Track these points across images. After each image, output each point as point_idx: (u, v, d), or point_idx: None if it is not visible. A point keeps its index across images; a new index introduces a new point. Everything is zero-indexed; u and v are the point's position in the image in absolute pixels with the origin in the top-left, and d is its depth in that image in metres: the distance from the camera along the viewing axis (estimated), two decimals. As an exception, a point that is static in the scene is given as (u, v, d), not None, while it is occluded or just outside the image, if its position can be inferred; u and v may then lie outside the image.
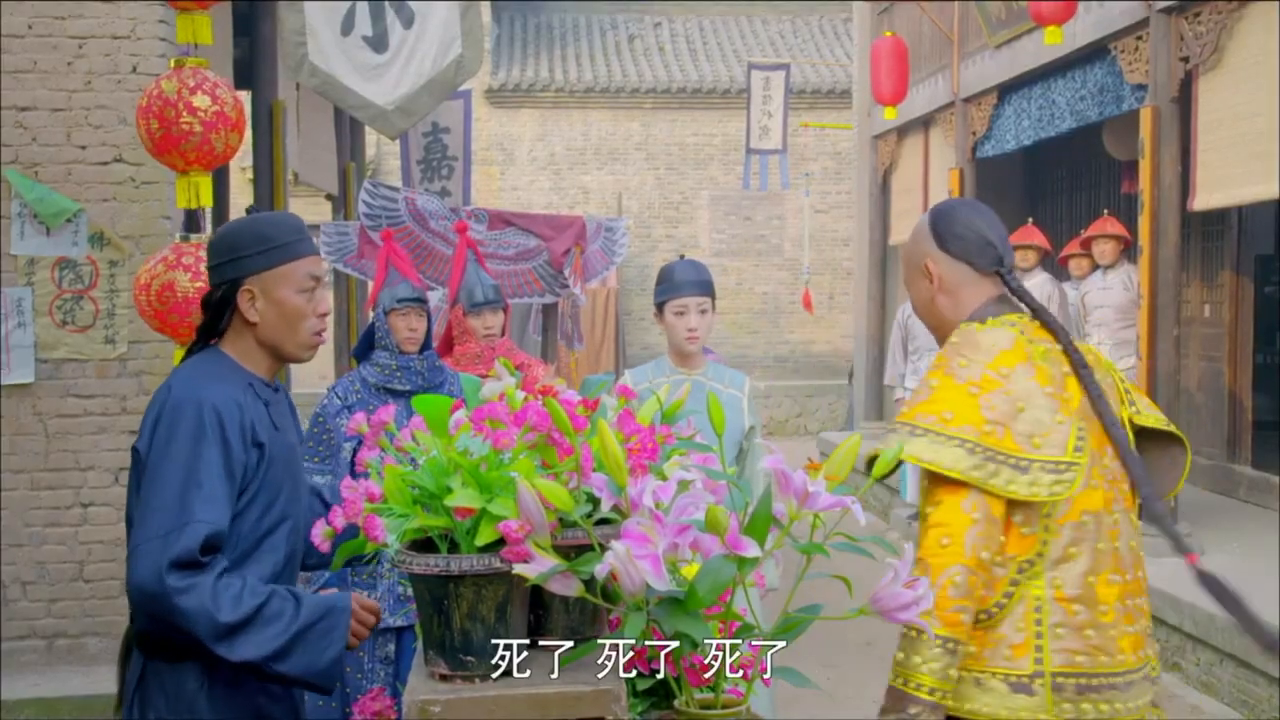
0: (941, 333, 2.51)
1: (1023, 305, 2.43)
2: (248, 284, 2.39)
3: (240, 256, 2.40)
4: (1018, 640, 2.24)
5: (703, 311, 3.85)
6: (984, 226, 2.47)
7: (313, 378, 15.92)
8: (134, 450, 2.36)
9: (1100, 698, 2.26)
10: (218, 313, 2.43)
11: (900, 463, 2.19)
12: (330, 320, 11.61)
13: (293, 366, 8.15)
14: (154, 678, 2.33)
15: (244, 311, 2.40)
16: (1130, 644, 2.33)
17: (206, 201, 4.43)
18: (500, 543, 1.69)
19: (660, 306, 3.89)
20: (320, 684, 2.27)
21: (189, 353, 2.49)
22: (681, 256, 4.39)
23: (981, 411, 2.25)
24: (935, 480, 2.27)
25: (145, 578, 2.18)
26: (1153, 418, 2.45)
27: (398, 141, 11.57)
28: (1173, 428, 2.47)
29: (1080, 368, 2.35)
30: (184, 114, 4.20)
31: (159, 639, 2.32)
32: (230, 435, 2.30)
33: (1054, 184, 12.25)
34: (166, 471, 2.25)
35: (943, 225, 2.48)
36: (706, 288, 3.89)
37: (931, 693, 2.17)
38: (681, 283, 3.86)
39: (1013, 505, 2.26)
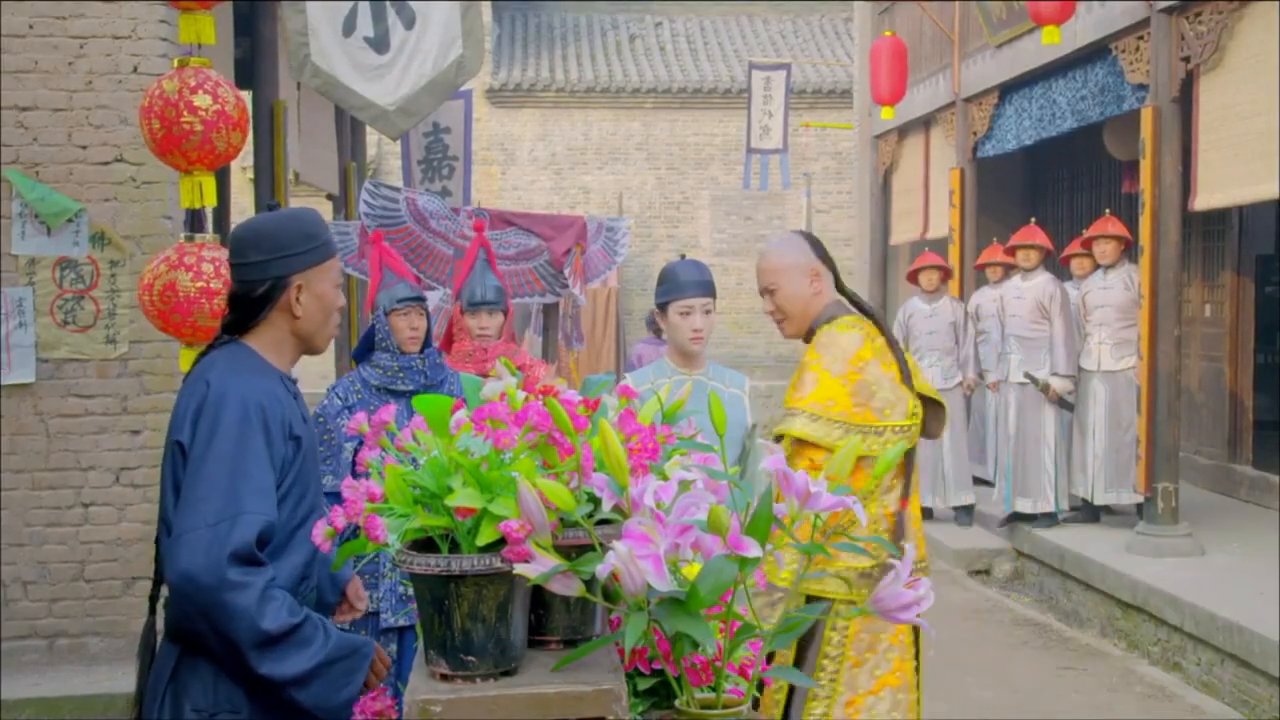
0: (801, 322, 3.35)
1: (854, 308, 3.33)
2: (297, 279, 2.44)
3: (290, 254, 2.44)
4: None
5: (707, 312, 3.84)
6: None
7: (313, 378, 15.90)
8: (176, 444, 2.35)
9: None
10: (257, 308, 2.45)
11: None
12: (331, 320, 11.66)
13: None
14: (189, 670, 2.31)
15: (291, 306, 2.45)
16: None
17: (211, 201, 4.43)
18: (501, 543, 1.69)
19: (663, 307, 3.88)
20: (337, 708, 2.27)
21: (210, 347, 2.50)
22: (682, 256, 4.39)
23: (850, 398, 3.16)
24: (806, 445, 3.17)
25: (197, 566, 2.17)
26: (928, 387, 3.32)
27: (399, 141, 11.57)
28: (936, 394, 3.33)
29: (899, 353, 3.25)
30: (185, 113, 4.20)
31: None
32: (272, 428, 2.33)
33: (1055, 184, 12.25)
34: (212, 462, 2.26)
35: (819, 245, 3.38)
36: (710, 288, 3.88)
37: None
38: (686, 283, 3.84)
39: (864, 459, 3.11)
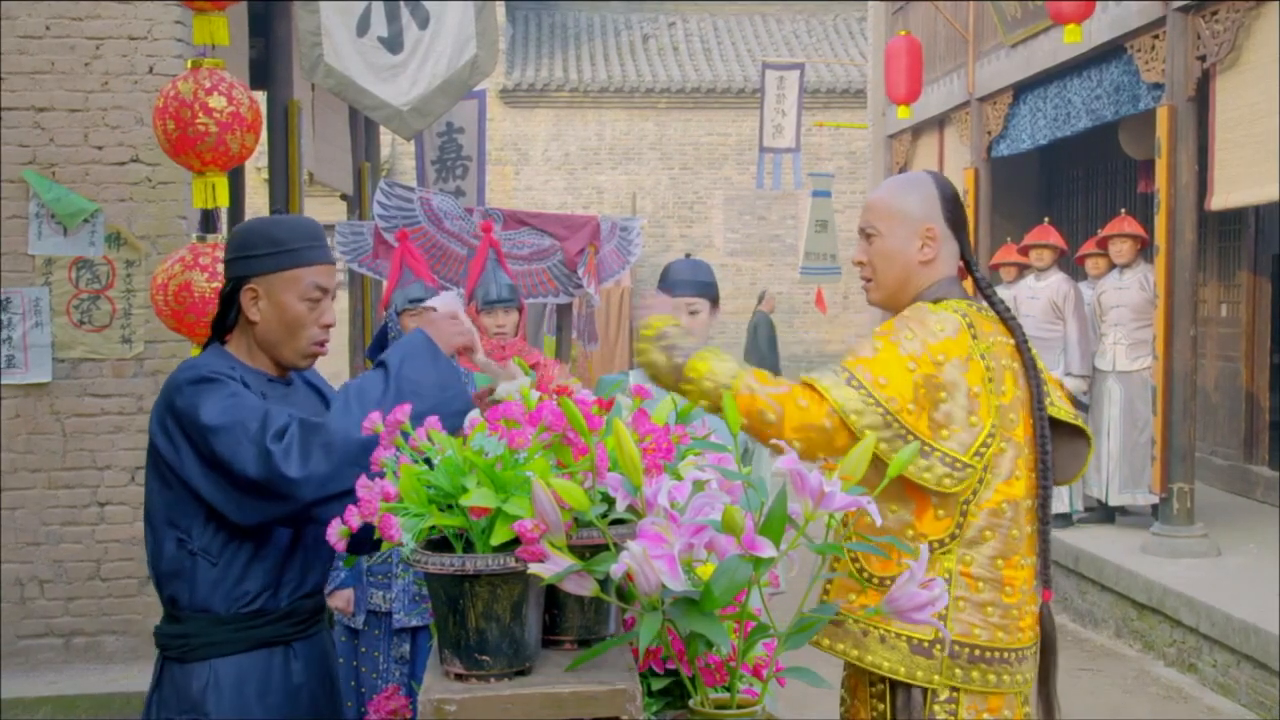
0: (892, 291, 2.59)
1: (967, 294, 2.58)
2: (253, 283, 2.42)
3: (250, 255, 2.42)
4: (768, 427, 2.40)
5: (693, 312, 3.76)
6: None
7: (327, 377, 15.94)
8: (152, 446, 2.37)
9: (990, 669, 2.42)
10: (224, 308, 2.47)
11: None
12: (345, 319, 11.61)
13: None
14: (168, 678, 2.38)
15: (246, 310, 2.43)
16: (1032, 622, 2.51)
17: (223, 201, 4.44)
18: (515, 542, 1.69)
19: None
20: (455, 393, 2.23)
21: (203, 350, 2.52)
22: (687, 255, 4.36)
23: (911, 389, 2.37)
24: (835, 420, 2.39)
25: (252, 469, 2.20)
26: (1065, 411, 2.55)
27: (413, 141, 11.58)
28: (1079, 421, 2.57)
29: (1031, 367, 2.50)
30: (200, 115, 4.22)
31: (173, 637, 2.36)
32: (237, 380, 2.35)
33: (1070, 183, 12.21)
34: (209, 407, 2.26)
35: (953, 202, 2.60)
36: (699, 288, 3.81)
37: (685, 379, 2.43)
38: (675, 282, 3.82)
39: (934, 493, 2.41)
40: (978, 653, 2.41)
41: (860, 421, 2.32)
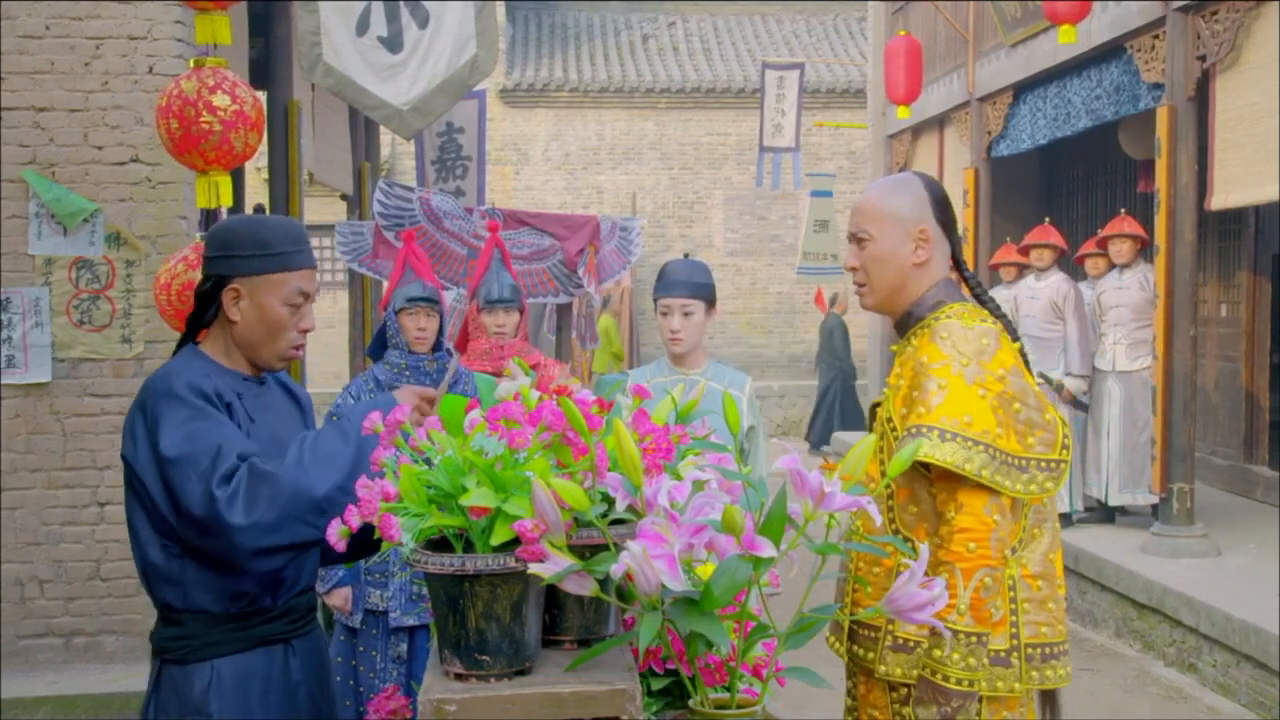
0: (886, 296, 2.57)
1: (965, 295, 2.59)
2: (236, 283, 2.41)
3: (235, 255, 2.40)
4: (996, 619, 2.40)
5: (687, 314, 3.79)
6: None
7: (327, 377, 15.97)
8: (123, 457, 2.37)
9: (1059, 664, 2.47)
10: (203, 305, 2.45)
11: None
12: (345, 319, 11.51)
13: (307, 366, 8.17)
14: (167, 681, 2.37)
15: (226, 309, 2.42)
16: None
17: (227, 201, 4.44)
18: (515, 542, 1.69)
19: (655, 304, 3.92)
20: None
21: (178, 347, 2.51)
22: (686, 256, 4.37)
23: (992, 414, 2.36)
24: (954, 481, 2.36)
25: (197, 508, 2.21)
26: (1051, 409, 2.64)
27: (413, 141, 11.58)
28: (1058, 413, 2.61)
29: (1025, 363, 2.52)
30: (204, 113, 4.21)
31: (172, 639, 2.35)
32: (206, 390, 2.34)
33: (1070, 183, 12.21)
34: (169, 433, 2.27)
35: (943, 203, 2.58)
36: (696, 289, 3.82)
37: (960, 683, 2.31)
38: (671, 283, 3.83)
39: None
40: (1049, 650, 2.46)
41: (973, 468, 2.31)
